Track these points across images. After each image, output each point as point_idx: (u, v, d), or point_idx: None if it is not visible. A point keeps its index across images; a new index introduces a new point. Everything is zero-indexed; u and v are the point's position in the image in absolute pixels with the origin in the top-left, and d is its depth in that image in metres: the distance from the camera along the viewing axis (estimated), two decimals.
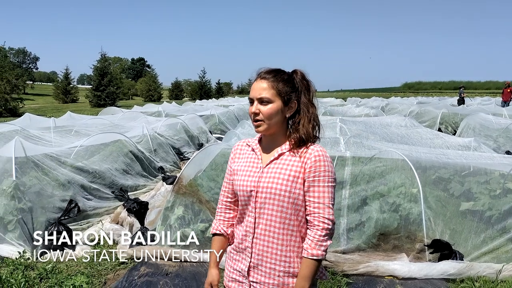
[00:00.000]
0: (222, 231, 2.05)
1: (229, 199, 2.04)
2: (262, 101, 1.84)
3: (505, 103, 24.06)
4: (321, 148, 1.84)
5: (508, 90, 24.43)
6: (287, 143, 1.89)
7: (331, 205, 1.80)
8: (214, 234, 2.07)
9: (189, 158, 10.22)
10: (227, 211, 2.05)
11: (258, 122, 1.86)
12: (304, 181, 1.80)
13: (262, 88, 1.84)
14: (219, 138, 13.95)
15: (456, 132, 14.23)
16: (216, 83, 70.54)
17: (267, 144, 1.94)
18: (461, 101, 26.19)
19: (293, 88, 1.87)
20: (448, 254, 4.07)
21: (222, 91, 70.14)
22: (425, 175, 5.10)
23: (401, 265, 4.04)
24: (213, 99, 40.44)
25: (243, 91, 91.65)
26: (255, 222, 1.88)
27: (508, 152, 9.42)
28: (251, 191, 1.86)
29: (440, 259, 4.08)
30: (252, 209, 1.88)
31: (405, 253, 4.31)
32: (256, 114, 1.85)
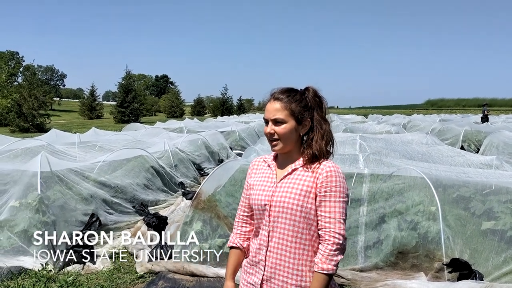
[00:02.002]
0: (239, 244, 2.10)
1: (245, 213, 2.10)
2: (276, 121, 1.90)
3: None
4: (333, 164, 1.88)
5: None
6: (301, 159, 1.93)
7: (342, 220, 1.83)
8: (231, 247, 2.13)
9: (209, 174, 10.31)
10: (244, 225, 2.11)
11: (275, 142, 1.92)
12: (316, 196, 1.84)
13: (276, 109, 1.90)
14: (239, 154, 14.02)
15: (479, 150, 13.96)
16: (238, 100, 71.15)
17: (282, 160, 2.00)
18: (484, 119, 25.69)
19: (305, 107, 1.92)
20: (468, 273, 3.99)
21: (243, 107, 70.60)
22: (445, 193, 5.03)
23: (419, 285, 3.97)
24: (235, 115, 40.79)
25: (264, 107, 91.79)
26: (268, 236, 1.92)
27: None
28: (265, 205, 1.92)
29: (459, 279, 4.00)
30: (266, 222, 1.93)
31: (424, 272, 4.24)
32: (271, 134, 1.92)
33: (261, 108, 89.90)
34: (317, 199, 1.84)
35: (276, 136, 1.91)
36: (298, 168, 1.92)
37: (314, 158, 1.89)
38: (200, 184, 9.58)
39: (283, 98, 1.91)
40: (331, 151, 1.94)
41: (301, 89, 1.97)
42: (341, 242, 1.83)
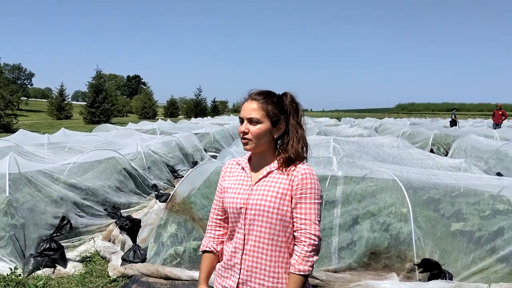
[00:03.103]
0: (212, 248, 2.08)
1: (219, 217, 2.09)
2: (251, 121, 1.92)
3: (496, 125, 24.39)
4: (308, 166, 1.92)
5: (500, 113, 24.80)
6: (276, 161, 1.96)
7: (317, 222, 1.86)
8: (204, 251, 2.11)
9: (183, 176, 10.23)
10: (217, 229, 2.10)
11: (246, 140, 1.94)
12: (292, 198, 1.87)
13: (252, 109, 1.92)
14: (214, 156, 13.98)
15: (448, 153, 14.38)
16: (212, 102, 70.90)
17: (256, 162, 2.01)
18: (453, 123, 26.51)
19: (282, 111, 1.95)
20: (438, 273, 4.11)
21: (217, 109, 70.42)
22: (416, 195, 5.17)
23: (391, 284, 4.07)
24: (209, 117, 40.63)
25: (238, 109, 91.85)
26: (244, 239, 1.93)
27: (499, 174, 9.53)
28: (240, 208, 1.92)
29: (429, 279, 4.12)
30: (242, 226, 1.93)
31: (396, 273, 4.34)
32: (245, 133, 1.93)
33: (235, 110, 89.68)
34: (293, 201, 1.87)
35: (249, 136, 1.92)
36: (273, 171, 1.94)
37: (290, 162, 1.91)
38: (174, 187, 9.55)
39: (260, 99, 1.94)
40: (305, 155, 1.97)
41: (279, 94, 2.01)
42: (316, 243, 1.86)
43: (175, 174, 10.41)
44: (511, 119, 35.99)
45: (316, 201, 1.86)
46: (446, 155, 13.73)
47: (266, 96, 1.95)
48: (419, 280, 4.18)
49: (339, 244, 4.69)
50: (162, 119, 31.44)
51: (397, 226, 4.58)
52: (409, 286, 4.03)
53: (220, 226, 2.09)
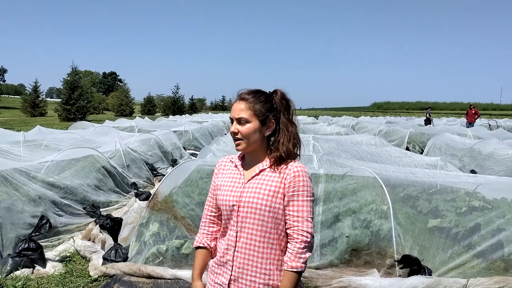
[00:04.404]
0: (206, 244, 2.11)
1: (212, 214, 2.11)
2: (240, 121, 1.95)
3: (469, 124, 25.01)
4: (300, 164, 1.95)
5: (473, 112, 25.46)
6: (268, 160, 1.98)
7: (309, 219, 1.90)
8: (198, 248, 2.13)
9: (163, 174, 10.16)
10: (211, 225, 2.12)
11: (238, 141, 1.97)
12: (284, 196, 1.90)
13: (240, 109, 1.96)
14: (193, 154, 13.91)
15: (423, 151, 14.67)
16: (190, 99, 70.48)
17: (249, 160, 2.04)
18: (427, 121, 27.02)
19: (270, 109, 1.98)
20: (417, 269, 4.21)
21: (195, 107, 70.03)
22: (394, 192, 5.27)
23: (372, 280, 4.14)
24: (187, 115, 40.27)
25: (216, 107, 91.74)
26: (236, 236, 1.95)
27: (473, 171, 9.79)
28: (233, 205, 1.94)
29: (409, 275, 4.20)
30: (234, 223, 1.96)
31: (376, 269, 4.42)
32: (235, 133, 1.97)
33: (213, 108, 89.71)
34: (285, 198, 1.90)
35: (239, 136, 1.96)
36: (265, 169, 1.97)
37: (281, 160, 1.94)
38: (153, 185, 9.48)
39: (248, 98, 1.97)
40: (298, 153, 1.99)
41: (269, 92, 2.02)
42: (309, 240, 1.89)
43: (154, 172, 10.31)
44: (483, 118, 37.06)
45: (309, 198, 1.90)
46: (421, 153, 14.01)
47: (254, 95, 1.98)
48: (399, 276, 4.27)
49: (321, 241, 4.74)
50: (139, 116, 31.09)
51: (378, 223, 4.66)
52: (390, 282, 4.10)
53: (213, 223, 2.11)
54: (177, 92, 65.14)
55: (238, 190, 1.97)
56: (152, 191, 8.51)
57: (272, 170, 1.95)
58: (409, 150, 14.47)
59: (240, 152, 2.08)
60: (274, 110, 1.98)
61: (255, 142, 1.96)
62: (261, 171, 1.97)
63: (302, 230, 1.88)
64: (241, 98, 1.98)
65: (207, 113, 45.63)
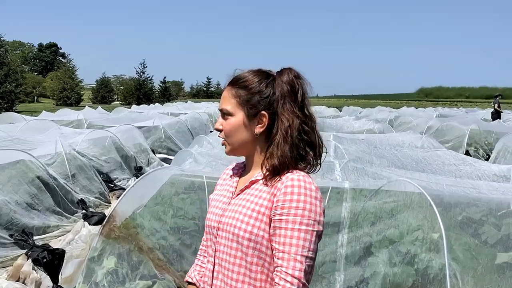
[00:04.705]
0: (194, 280, 2.16)
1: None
2: (223, 114, 1.98)
3: None
4: (301, 175, 1.87)
5: None
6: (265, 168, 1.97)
7: (300, 257, 1.79)
8: (188, 283, 2.20)
9: (122, 188, 10.16)
10: (205, 255, 2.15)
11: (223, 141, 2.02)
12: (271, 220, 1.85)
13: (224, 97, 1.99)
14: (166, 160, 13.94)
15: (489, 156, 14.69)
16: (161, 82, 70.60)
17: (248, 167, 2.07)
18: (496, 115, 26.97)
19: (263, 95, 1.93)
20: None
21: (169, 93, 70.18)
22: (449, 214, 5.27)
23: None
24: (157, 104, 40.42)
25: (199, 93, 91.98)
26: (213, 271, 1.98)
27: None
28: (214, 227, 1.99)
29: None
30: (212, 253, 1.99)
31: None
32: (219, 131, 2.01)
33: (195, 95, 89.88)
34: (272, 224, 1.84)
35: (222, 134, 2.00)
36: (258, 180, 1.95)
37: (276, 170, 1.90)
38: (109, 203, 9.48)
39: (236, 81, 1.98)
40: (315, 160, 1.94)
41: (271, 71, 2.01)
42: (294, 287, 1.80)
43: (110, 185, 10.33)
44: None
45: (304, 227, 1.79)
46: (487, 159, 14.03)
47: (245, 78, 1.97)
48: None
49: (345, 283, 4.75)
50: (90, 106, 31.13)
51: (426, 258, 4.66)
52: None
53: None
54: (143, 72, 65.41)
55: (221, 208, 2.01)
56: (107, 212, 8.51)
57: (265, 182, 1.93)
58: (469, 154, 14.50)
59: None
60: (269, 98, 1.94)
61: (242, 143, 1.96)
62: (252, 183, 1.96)
63: (285, 273, 1.78)
64: (230, 82, 2.00)
65: (186, 102, 45.75)
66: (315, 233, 1.81)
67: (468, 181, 6.61)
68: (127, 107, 32.81)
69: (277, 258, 1.81)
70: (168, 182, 5.89)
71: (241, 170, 2.11)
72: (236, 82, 1.97)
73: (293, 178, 1.85)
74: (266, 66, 2.03)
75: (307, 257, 1.79)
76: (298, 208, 1.80)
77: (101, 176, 10.18)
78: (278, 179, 1.87)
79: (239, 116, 1.93)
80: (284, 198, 1.82)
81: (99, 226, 7.26)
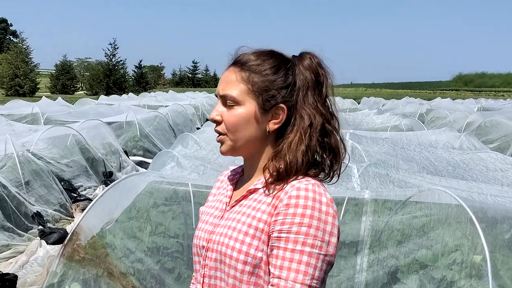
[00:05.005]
0: None
1: None
2: (226, 101, 1.88)
3: None
4: (310, 184, 1.81)
5: None
6: (267, 174, 1.93)
7: (300, 286, 1.73)
8: None
9: (88, 198, 10.15)
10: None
11: (219, 137, 1.90)
12: (269, 238, 1.80)
13: (227, 80, 1.88)
14: (141, 163, 13.93)
15: None
16: (136, 67, 70.48)
17: (246, 172, 2.02)
18: None
19: (282, 83, 1.88)
20: None
21: (146, 80, 70.09)
22: (493, 232, 5.28)
23: None
24: (131, 94, 40.31)
25: (182, 81, 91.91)
26: None
27: None
28: (203, 247, 1.94)
29: None
30: (200, 278, 1.95)
31: None
32: (216, 122, 1.90)
33: (178, 83, 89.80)
34: (270, 243, 1.79)
35: (222, 127, 1.89)
36: (258, 189, 1.91)
37: (280, 176, 1.85)
38: (71, 217, 9.47)
39: (247, 62, 1.89)
40: (327, 166, 1.92)
41: (286, 55, 1.96)
42: None
43: (74, 194, 10.32)
44: None
45: (308, 249, 1.72)
46: None
47: (258, 58, 1.90)
48: None
49: None
50: (48, 97, 31.10)
51: (465, 286, 4.66)
52: None
53: None
54: (114, 55, 65.31)
55: (212, 223, 1.97)
56: (69, 228, 8.51)
57: (266, 191, 1.88)
58: None
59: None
60: (289, 86, 1.90)
61: (248, 141, 1.89)
62: (250, 192, 1.92)
63: None
64: (235, 62, 1.92)
65: (167, 92, 45.73)
66: (322, 257, 1.72)
67: None
68: (93, 98, 32.78)
69: (271, 285, 1.75)
70: (145, 191, 5.88)
71: (237, 176, 2.07)
72: (246, 63, 1.89)
73: (300, 187, 1.77)
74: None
75: (309, 286, 1.71)
76: (302, 225, 1.71)
77: (62, 183, 10.17)
78: (283, 186, 1.82)
79: (250, 107, 1.86)
80: (285, 211, 1.74)
81: (60, 245, 7.28)
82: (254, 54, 1.91)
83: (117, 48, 64.66)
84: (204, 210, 2.08)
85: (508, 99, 52.73)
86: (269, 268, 1.78)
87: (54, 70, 69.29)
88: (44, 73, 72.50)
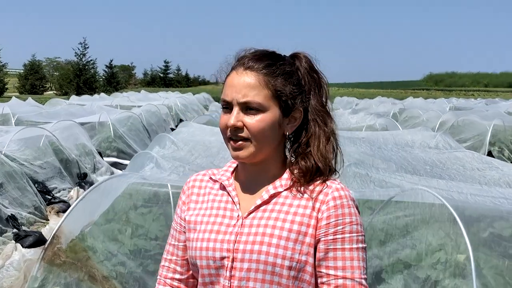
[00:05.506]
0: None
1: (176, 276, 2.07)
2: (248, 107, 1.86)
3: None
4: (343, 185, 1.87)
5: None
6: (285, 175, 1.92)
7: (364, 281, 1.83)
8: None
9: (63, 201, 10.07)
10: None
11: (240, 143, 1.85)
12: (317, 241, 1.83)
13: (248, 85, 1.84)
14: (115, 164, 13.87)
15: None
16: (107, 66, 70.10)
17: (249, 177, 1.96)
18: None
19: (298, 86, 1.90)
20: None
21: (117, 80, 69.76)
22: (471, 230, 5.31)
23: None
24: (102, 94, 40.06)
25: (154, 81, 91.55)
26: None
27: None
28: (222, 258, 1.87)
29: None
30: None
31: None
32: (237, 129, 1.86)
33: (149, 83, 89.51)
34: (320, 246, 1.82)
35: (245, 133, 1.84)
36: (280, 192, 1.89)
37: (312, 175, 1.87)
38: (46, 220, 9.38)
39: (260, 67, 1.87)
40: (334, 166, 1.94)
41: (284, 55, 1.97)
42: None
43: (48, 197, 10.21)
44: None
45: (360, 245, 1.82)
46: None
47: (271, 63, 1.89)
48: None
49: None
50: (17, 97, 30.79)
51: (450, 285, 4.69)
52: None
53: None
54: (84, 54, 64.84)
55: (230, 231, 1.89)
56: (45, 231, 8.42)
57: (294, 194, 1.88)
58: (492, 156, 14.65)
59: (230, 164, 2.04)
60: (302, 89, 1.92)
61: (270, 146, 1.89)
62: (272, 196, 1.89)
63: None
64: (246, 66, 1.88)
65: (139, 92, 45.53)
66: (365, 249, 1.86)
67: (497, 189, 6.66)
68: (64, 99, 32.53)
69: (335, 287, 1.81)
70: (125, 193, 5.84)
71: (231, 180, 2.01)
72: (265, 67, 1.88)
73: (337, 188, 1.84)
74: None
75: (365, 279, 1.83)
76: (353, 224, 1.82)
77: (36, 185, 10.07)
78: (319, 188, 1.85)
79: (274, 112, 1.85)
80: (335, 212, 1.80)
81: (36, 249, 7.20)
82: (262, 56, 1.91)
83: (87, 47, 64.33)
84: (200, 220, 1.98)
85: (478, 99, 53.39)
86: (319, 272, 1.83)
87: (23, 70, 68.62)
88: (12, 72, 71.64)
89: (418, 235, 5.11)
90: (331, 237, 1.80)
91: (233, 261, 1.85)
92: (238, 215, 1.91)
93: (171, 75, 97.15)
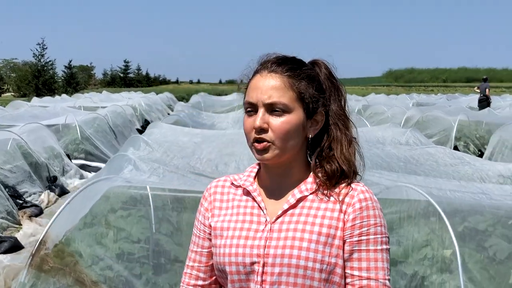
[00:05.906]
0: None
1: (199, 283, 2.07)
2: (273, 109, 1.88)
3: None
4: (367, 188, 1.91)
5: None
6: (310, 179, 1.95)
7: (388, 282, 1.86)
8: None
9: (34, 205, 9.97)
10: None
11: (264, 144, 1.86)
12: (344, 242, 1.86)
13: (273, 87, 1.86)
14: (85, 167, 13.74)
15: (481, 152, 15.09)
16: (66, 67, 69.30)
17: (273, 182, 1.97)
18: (484, 102, 27.62)
19: (320, 89, 1.94)
20: None
21: (76, 81, 69.02)
22: (456, 226, 5.38)
23: None
24: (64, 95, 39.60)
25: (114, 81, 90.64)
26: None
27: None
28: (252, 263, 1.88)
29: None
30: None
31: None
32: (262, 130, 1.87)
33: (109, 83, 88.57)
34: (345, 247, 1.85)
35: (270, 135, 1.85)
36: (306, 196, 1.91)
37: (336, 178, 1.89)
38: (19, 224, 9.26)
39: (284, 70, 1.90)
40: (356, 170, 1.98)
41: (306, 63, 2.00)
42: None
43: (19, 201, 10.07)
44: None
45: (385, 246, 1.85)
46: (480, 156, 14.38)
47: (295, 67, 1.92)
48: None
49: None
50: None
51: (437, 281, 4.75)
52: None
53: None
54: (43, 55, 63.98)
55: (261, 237, 1.90)
56: (19, 236, 8.34)
57: (320, 197, 1.91)
58: (457, 150, 14.83)
59: (251, 169, 2.06)
60: (324, 94, 1.95)
61: (294, 149, 1.90)
62: (299, 200, 1.92)
63: None
64: (270, 69, 1.91)
65: (100, 92, 45.13)
66: (389, 250, 1.89)
67: (475, 185, 6.77)
68: (23, 100, 32.07)
69: (359, 287, 1.84)
70: (106, 195, 5.80)
71: (254, 185, 2.02)
72: (289, 70, 1.91)
73: (363, 191, 1.88)
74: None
75: (389, 280, 1.87)
76: (377, 225, 1.85)
77: (7, 190, 9.93)
78: (344, 192, 1.89)
79: (299, 114, 1.88)
80: (361, 214, 1.84)
81: (13, 254, 7.13)
82: (286, 60, 1.95)
83: (46, 48, 63.42)
84: (227, 226, 1.99)
85: (439, 94, 54.01)
86: (345, 272, 1.86)
87: None
88: None
89: (404, 232, 5.16)
90: (356, 239, 1.84)
91: (264, 266, 1.87)
92: (266, 220, 1.92)
93: (131, 75, 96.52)
